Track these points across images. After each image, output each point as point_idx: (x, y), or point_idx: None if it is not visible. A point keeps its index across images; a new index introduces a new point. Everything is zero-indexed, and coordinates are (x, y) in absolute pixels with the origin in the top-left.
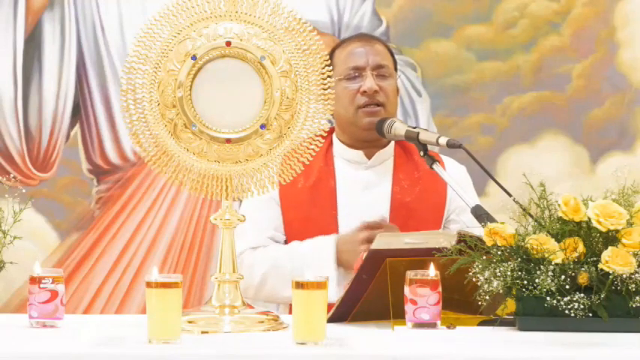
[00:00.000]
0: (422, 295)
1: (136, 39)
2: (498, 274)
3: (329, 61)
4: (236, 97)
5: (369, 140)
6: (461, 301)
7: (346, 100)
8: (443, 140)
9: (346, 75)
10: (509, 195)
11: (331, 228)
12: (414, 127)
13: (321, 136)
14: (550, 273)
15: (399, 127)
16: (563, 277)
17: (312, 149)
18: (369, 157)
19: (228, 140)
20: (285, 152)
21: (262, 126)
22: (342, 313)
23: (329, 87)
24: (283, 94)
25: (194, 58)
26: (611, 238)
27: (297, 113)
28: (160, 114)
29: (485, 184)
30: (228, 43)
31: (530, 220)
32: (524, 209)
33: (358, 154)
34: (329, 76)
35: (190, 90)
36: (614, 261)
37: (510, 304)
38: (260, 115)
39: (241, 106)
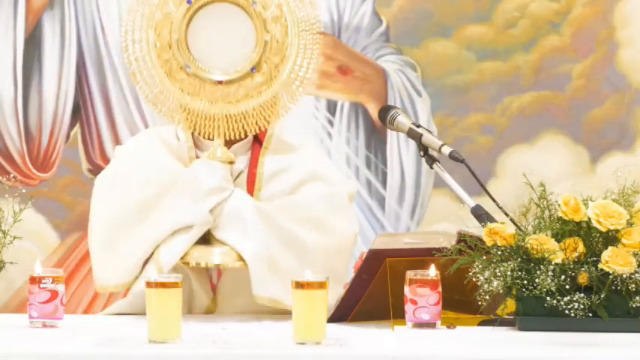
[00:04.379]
0: (422, 295)
1: None
2: (498, 274)
3: (317, 7)
4: (229, 40)
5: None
6: (461, 301)
7: None
8: (446, 150)
9: None
10: (504, 210)
11: None
12: (418, 126)
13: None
14: (550, 273)
15: (402, 122)
16: (563, 277)
17: (301, 91)
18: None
19: (219, 82)
20: (274, 93)
21: (253, 69)
22: (342, 313)
23: (317, 32)
24: (273, 38)
25: (189, 2)
26: (611, 238)
27: (286, 57)
28: (157, 55)
29: (485, 184)
30: None
31: (529, 221)
32: (513, 221)
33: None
34: (318, 21)
35: (186, 33)
36: (614, 261)
37: (510, 304)
38: (251, 58)
39: (233, 49)
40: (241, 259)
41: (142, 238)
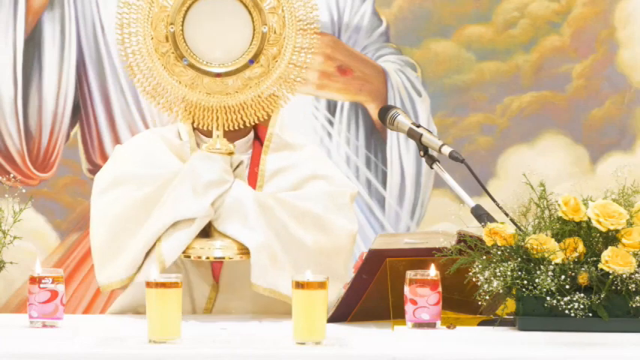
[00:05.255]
0: (422, 295)
1: None
2: (498, 274)
3: None
4: (226, 32)
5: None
6: (461, 301)
7: None
8: (446, 150)
9: None
10: (504, 211)
11: None
12: (418, 126)
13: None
14: (550, 273)
15: (402, 122)
16: (563, 277)
17: (299, 82)
18: None
19: (218, 74)
20: (272, 85)
21: (251, 60)
22: (342, 313)
23: (315, 22)
24: (271, 30)
25: None
26: (611, 238)
27: (284, 48)
28: (154, 48)
29: (485, 184)
30: None
31: (529, 221)
32: (513, 221)
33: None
34: (315, 10)
35: (182, 25)
36: (614, 261)
37: (510, 304)
38: (249, 50)
39: (231, 41)
40: (243, 252)
41: (143, 232)
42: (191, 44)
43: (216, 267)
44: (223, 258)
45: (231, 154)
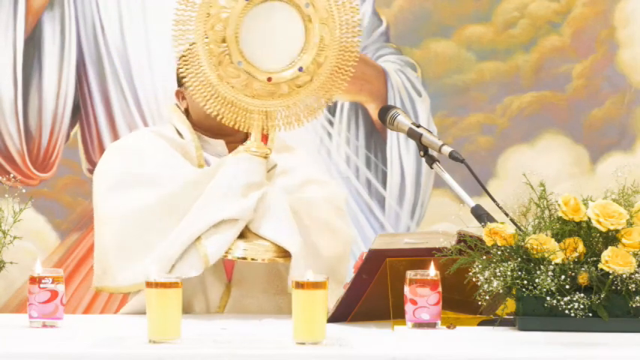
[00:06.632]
0: (422, 295)
1: None
2: (498, 274)
3: (359, 12)
4: (280, 38)
5: (228, 133)
6: (461, 301)
7: None
8: (446, 150)
9: None
10: (504, 211)
11: None
12: (418, 126)
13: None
14: (550, 273)
15: (402, 122)
16: (563, 277)
17: (339, 89)
18: (229, 150)
19: (269, 79)
20: (313, 92)
21: (300, 68)
22: (342, 313)
23: (358, 35)
24: (321, 40)
25: None
26: (611, 238)
27: (328, 59)
28: (208, 48)
29: (485, 184)
30: None
31: (529, 221)
32: (513, 221)
33: (220, 143)
34: (359, 25)
35: (239, 28)
36: (614, 261)
37: (510, 304)
38: (299, 57)
39: (284, 48)
40: (282, 255)
41: (180, 231)
42: (245, 48)
43: (228, 266)
44: (269, 260)
45: (267, 157)
